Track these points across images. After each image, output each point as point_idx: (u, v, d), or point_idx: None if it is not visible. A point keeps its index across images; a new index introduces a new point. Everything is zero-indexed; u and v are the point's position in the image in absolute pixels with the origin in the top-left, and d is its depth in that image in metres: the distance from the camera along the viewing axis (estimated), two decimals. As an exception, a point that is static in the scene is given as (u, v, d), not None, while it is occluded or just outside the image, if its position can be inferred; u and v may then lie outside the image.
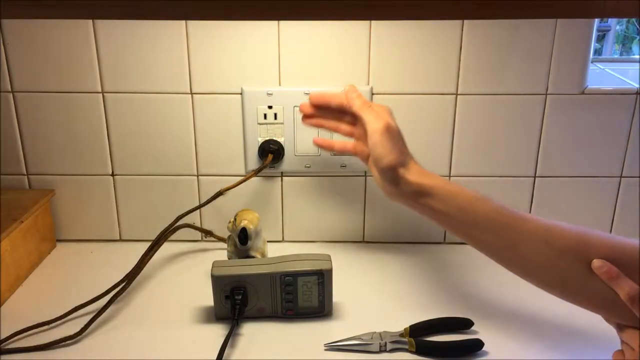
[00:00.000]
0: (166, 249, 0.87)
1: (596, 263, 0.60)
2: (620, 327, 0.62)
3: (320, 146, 0.79)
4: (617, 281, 0.59)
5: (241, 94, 0.87)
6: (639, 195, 0.92)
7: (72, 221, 0.95)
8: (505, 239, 0.65)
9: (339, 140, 0.77)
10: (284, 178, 0.93)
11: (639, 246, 0.61)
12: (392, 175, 0.69)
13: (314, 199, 0.94)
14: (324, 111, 0.75)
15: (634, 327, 0.60)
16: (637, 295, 0.58)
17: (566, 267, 0.62)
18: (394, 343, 0.71)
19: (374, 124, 0.69)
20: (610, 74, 0.97)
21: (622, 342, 0.61)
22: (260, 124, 0.89)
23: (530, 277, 0.66)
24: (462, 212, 0.67)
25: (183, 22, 0.83)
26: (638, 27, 1.28)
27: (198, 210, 0.90)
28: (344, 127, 0.75)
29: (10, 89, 0.87)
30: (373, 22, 0.84)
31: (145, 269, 0.82)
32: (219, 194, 0.88)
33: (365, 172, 0.92)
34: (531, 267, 0.65)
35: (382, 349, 0.71)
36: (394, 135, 0.69)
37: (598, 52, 1.16)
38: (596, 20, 0.89)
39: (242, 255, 0.81)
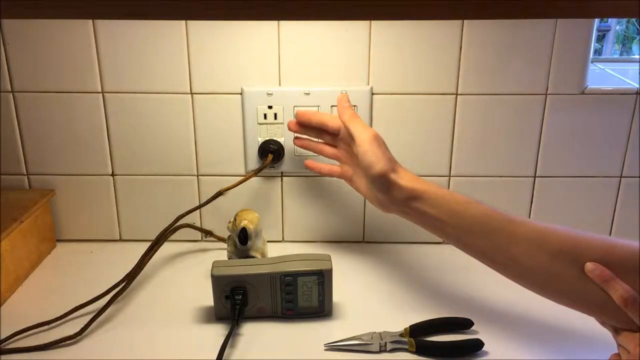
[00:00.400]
0: (166, 249, 0.87)
1: (589, 266, 0.60)
2: (616, 330, 0.61)
3: (310, 169, 0.85)
4: (610, 284, 0.59)
5: (241, 94, 0.87)
6: (639, 195, 0.92)
7: (72, 221, 0.95)
8: (497, 243, 0.66)
9: (327, 164, 0.84)
10: (284, 178, 0.93)
11: (633, 247, 0.61)
12: (384, 182, 0.70)
13: (314, 199, 0.94)
14: (307, 129, 0.83)
15: (630, 329, 0.60)
16: (631, 298, 0.58)
17: (559, 270, 0.62)
18: (394, 343, 0.71)
19: (362, 133, 0.73)
20: (610, 74, 0.97)
21: (619, 345, 0.61)
22: (260, 124, 0.89)
23: (524, 281, 0.66)
24: (454, 216, 0.68)
25: (183, 22, 0.83)
26: (638, 27, 1.28)
27: (198, 210, 0.90)
28: (328, 149, 0.82)
29: (10, 89, 0.87)
30: (373, 22, 0.84)
31: (145, 269, 0.82)
32: (219, 194, 0.88)
33: (365, 172, 0.92)
34: (524, 271, 0.65)
35: (382, 349, 0.71)
36: (381, 143, 0.73)
37: (598, 52, 1.16)
38: (596, 20, 0.89)
39: (242, 255, 0.81)
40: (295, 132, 0.84)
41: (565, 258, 0.62)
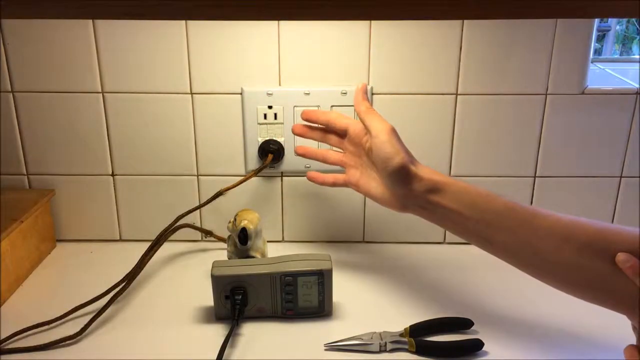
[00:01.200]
0: (166, 249, 0.87)
1: (621, 257, 0.57)
2: None
3: (313, 180, 0.82)
4: None
5: (241, 94, 0.87)
6: (639, 195, 0.92)
7: (72, 221, 0.95)
8: (521, 238, 0.63)
9: (331, 174, 0.81)
10: (284, 178, 0.93)
11: None
12: (404, 174, 0.68)
13: (314, 199, 0.94)
14: (312, 131, 0.81)
15: None
16: None
17: (587, 265, 0.60)
18: (394, 343, 0.71)
19: (380, 125, 0.71)
20: (610, 74, 0.97)
21: None
22: (260, 124, 0.89)
23: (550, 278, 0.64)
24: (475, 209, 0.65)
25: (183, 22, 0.83)
26: (638, 27, 1.28)
27: (198, 210, 0.90)
28: (332, 155, 0.80)
29: (10, 89, 0.87)
30: (373, 22, 0.84)
31: (145, 269, 0.82)
32: (219, 194, 0.88)
33: (365, 172, 0.91)
34: (550, 267, 0.63)
35: (382, 349, 0.71)
36: (398, 136, 0.71)
37: (598, 52, 1.16)
38: (596, 20, 0.89)
39: (242, 255, 0.81)
40: (299, 135, 0.82)
41: (593, 252, 0.59)
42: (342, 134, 0.79)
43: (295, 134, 0.83)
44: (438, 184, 0.67)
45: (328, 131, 0.80)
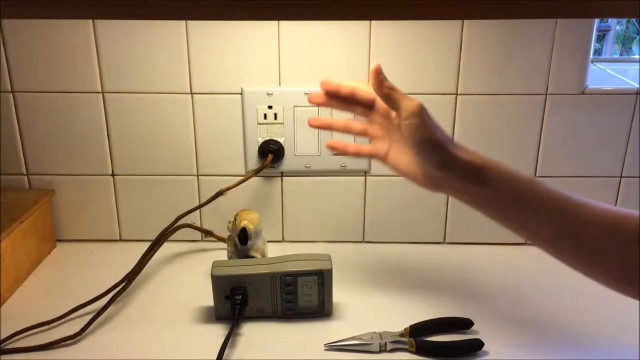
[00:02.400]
0: (166, 249, 0.87)
1: None
2: None
3: (334, 148, 0.72)
4: None
5: (241, 94, 0.87)
6: (639, 195, 0.92)
7: (72, 221, 0.95)
8: (565, 229, 0.60)
9: (354, 143, 0.71)
10: (284, 178, 0.93)
11: None
12: (442, 155, 0.61)
13: (314, 199, 0.94)
14: (332, 101, 0.69)
15: None
16: None
17: (632, 258, 0.57)
18: (394, 343, 0.71)
19: (410, 102, 0.62)
20: (610, 74, 0.97)
21: None
22: (260, 124, 0.89)
23: (593, 271, 0.61)
24: (518, 198, 0.60)
25: (183, 22, 0.83)
26: (638, 27, 1.28)
27: (198, 210, 0.90)
28: (356, 126, 0.70)
29: (10, 89, 0.87)
30: (373, 22, 0.84)
31: (145, 269, 0.82)
32: (219, 194, 0.88)
33: (366, 172, 0.91)
34: (594, 259, 0.60)
35: (382, 349, 0.71)
36: (429, 115, 0.62)
37: (598, 52, 1.16)
38: (596, 20, 0.89)
39: (242, 255, 0.81)
40: (317, 104, 0.69)
41: (639, 245, 0.56)
42: (370, 105, 0.69)
43: (312, 103, 0.69)
44: (479, 168, 0.60)
45: (354, 100, 0.69)
